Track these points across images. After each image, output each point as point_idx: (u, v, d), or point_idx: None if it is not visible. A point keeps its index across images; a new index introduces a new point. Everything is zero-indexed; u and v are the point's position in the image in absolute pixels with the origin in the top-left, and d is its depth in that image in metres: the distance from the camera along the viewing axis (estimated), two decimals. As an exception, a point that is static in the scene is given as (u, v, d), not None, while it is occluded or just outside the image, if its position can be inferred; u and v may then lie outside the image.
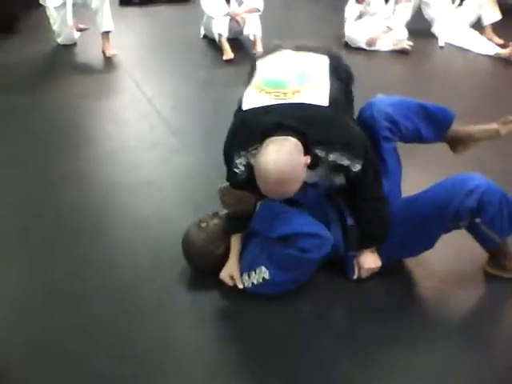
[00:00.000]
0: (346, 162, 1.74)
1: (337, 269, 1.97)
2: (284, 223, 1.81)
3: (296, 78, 1.83)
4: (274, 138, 1.66)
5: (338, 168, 1.79)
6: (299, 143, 1.67)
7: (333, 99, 1.76)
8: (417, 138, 2.04)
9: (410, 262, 2.06)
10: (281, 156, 1.62)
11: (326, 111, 1.74)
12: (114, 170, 2.84)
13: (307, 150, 1.69)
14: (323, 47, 1.99)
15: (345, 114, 1.82)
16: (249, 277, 1.87)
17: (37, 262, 2.15)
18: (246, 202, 1.91)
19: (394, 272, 2.01)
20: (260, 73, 1.91)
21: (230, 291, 1.91)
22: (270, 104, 1.76)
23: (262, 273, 1.83)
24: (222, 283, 1.93)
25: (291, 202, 1.92)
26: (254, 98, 1.81)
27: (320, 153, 1.72)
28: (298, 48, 1.96)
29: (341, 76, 1.90)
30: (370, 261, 1.95)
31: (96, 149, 3.07)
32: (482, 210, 1.76)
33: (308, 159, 1.68)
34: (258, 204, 1.91)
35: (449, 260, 2.11)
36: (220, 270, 1.95)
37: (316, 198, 1.99)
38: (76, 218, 2.42)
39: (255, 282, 1.86)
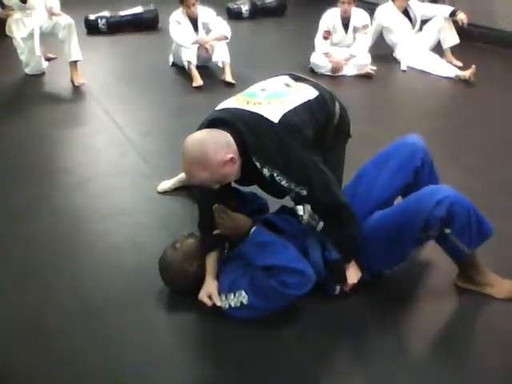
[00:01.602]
0: (284, 182, 1.78)
1: (316, 287, 1.94)
2: (273, 254, 1.83)
3: (267, 94, 1.92)
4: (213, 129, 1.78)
5: (284, 189, 1.82)
6: (232, 142, 1.75)
7: (287, 121, 1.80)
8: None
9: (386, 279, 2.10)
10: (201, 138, 1.74)
11: (272, 126, 1.78)
12: (85, 198, 2.82)
13: (243, 156, 1.77)
14: (322, 86, 2.06)
15: (295, 140, 1.79)
16: (226, 298, 1.87)
17: (8, 291, 2.11)
18: (241, 227, 1.93)
19: (370, 288, 2.04)
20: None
21: (208, 313, 1.91)
22: (231, 106, 1.88)
23: (242, 297, 1.84)
24: (199, 305, 1.92)
25: (274, 227, 1.98)
26: (226, 102, 1.95)
27: (256, 162, 1.78)
28: (298, 78, 2.07)
29: (315, 115, 1.93)
30: (351, 274, 1.97)
31: (66, 177, 3.04)
32: (451, 220, 1.81)
33: (233, 159, 1.74)
34: (252, 230, 1.92)
35: (422, 276, 2.17)
36: (196, 289, 1.95)
37: (298, 227, 2.01)
38: (47, 246, 2.39)
39: (232, 305, 1.86)
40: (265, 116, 1.79)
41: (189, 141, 1.76)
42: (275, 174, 1.77)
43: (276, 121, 1.78)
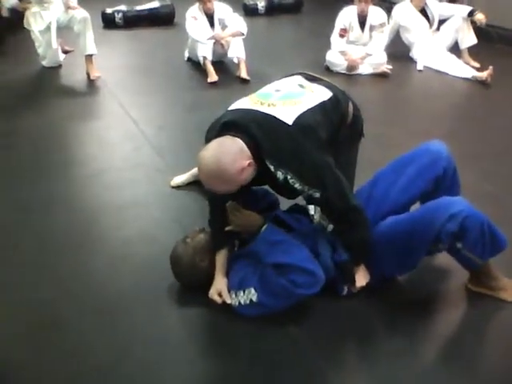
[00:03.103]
0: (297, 185, 1.78)
1: (325, 286, 1.94)
2: (284, 252, 1.84)
3: (281, 94, 1.90)
4: (224, 136, 1.77)
5: (297, 191, 1.81)
6: (245, 148, 1.74)
7: (301, 123, 1.79)
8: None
9: (397, 280, 2.10)
10: (216, 153, 1.72)
11: (286, 128, 1.77)
12: (98, 191, 2.85)
13: (257, 159, 1.76)
14: (335, 86, 2.05)
15: (310, 142, 1.79)
16: (236, 295, 1.88)
17: (22, 284, 2.13)
18: (253, 225, 1.95)
19: (380, 290, 2.03)
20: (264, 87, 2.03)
21: (218, 310, 1.92)
22: (245, 107, 1.87)
23: (251, 294, 1.84)
24: (209, 301, 1.93)
25: (285, 225, 1.98)
26: (239, 102, 1.94)
27: (270, 165, 1.77)
28: (311, 78, 2.05)
29: (329, 116, 1.92)
30: (360, 277, 1.97)
31: (81, 170, 3.07)
32: (463, 235, 1.78)
33: (250, 164, 1.73)
34: (263, 227, 1.93)
35: (433, 278, 2.16)
36: (207, 285, 1.96)
37: (309, 226, 2.01)
38: (60, 238, 2.42)
39: (242, 302, 1.87)
40: (279, 118, 1.79)
41: (203, 157, 1.73)
42: (289, 177, 1.77)
43: (290, 123, 1.78)
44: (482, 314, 1.98)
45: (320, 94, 1.95)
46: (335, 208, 1.85)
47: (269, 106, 1.84)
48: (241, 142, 1.75)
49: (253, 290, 1.84)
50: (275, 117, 1.79)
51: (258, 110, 1.83)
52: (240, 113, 1.86)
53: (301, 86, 1.99)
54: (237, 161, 1.72)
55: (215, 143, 1.76)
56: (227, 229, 1.99)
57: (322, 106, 1.90)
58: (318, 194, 1.80)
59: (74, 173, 3.05)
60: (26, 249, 2.35)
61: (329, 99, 1.95)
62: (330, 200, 1.82)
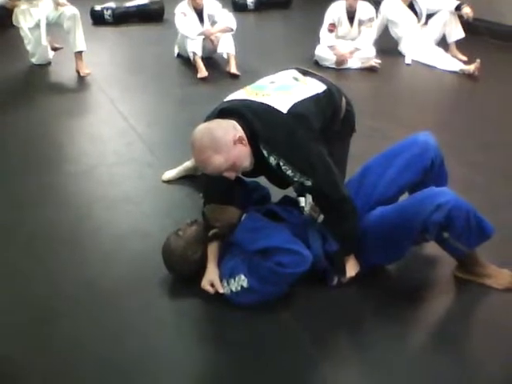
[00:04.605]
0: (289, 172, 1.81)
1: (316, 276, 2.00)
2: (265, 237, 1.87)
3: (276, 86, 1.96)
4: None
5: (289, 178, 1.85)
6: (238, 126, 1.79)
7: (295, 112, 1.83)
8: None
9: (386, 269, 2.14)
10: (208, 126, 1.79)
11: (281, 116, 1.82)
12: (90, 187, 2.86)
13: (252, 145, 1.81)
14: (329, 81, 2.09)
15: (303, 130, 1.83)
16: (228, 283, 1.91)
17: (14, 277, 2.15)
18: (231, 216, 1.99)
19: (370, 278, 2.06)
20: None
21: (211, 300, 1.95)
22: (240, 98, 1.92)
23: (241, 281, 1.87)
24: (202, 292, 1.96)
25: (275, 215, 2.01)
26: (235, 93, 1.99)
27: (264, 150, 1.80)
28: (305, 72, 2.10)
29: (323, 108, 1.96)
30: (350, 268, 2.01)
31: (72, 166, 3.08)
32: (449, 225, 1.82)
33: (241, 138, 1.77)
34: (243, 216, 1.97)
35: (421, 267, 2.20)
36: (199, 275, 1.99)
37: (300, 218, 2.04)
38: (53, 234, 2.43)
39: (233, 290, 1.90)
40: (274, 106, 1.83)
41: (196, 131, 1.80)
42: (281, 163, 1.80)
43: (285, 111, 1.82)
44: (470, 300, 2.03)
45: (314, 87, 1.99)
46: (326, 197, 1.89)
47: (263, 96, 1.89)
48: (234, 121, 1.80)
49: (243, 276, 1.87)
50: (270, 105, 1.83)
51: (253, 100, 1.88)
52: (236, 102, 1.92)
53: (295, 78, 2.03)
54: (228, 131, 1.77)
55: (207, 122, 1.84)
56: (211, 233, 2.02)
57: (315, 97, 1.94)
58: (309, 182, 1.83)
59: (65, 169, 3.06)
60: (18, 244, 2.36)
61: (323, 92, 1.99)
62: (321, 188, 1.86)
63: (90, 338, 1.84)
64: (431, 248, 2.09)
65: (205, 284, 1.96)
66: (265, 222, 1.95)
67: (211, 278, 1.96)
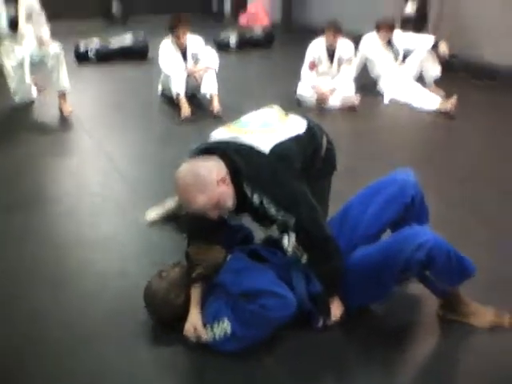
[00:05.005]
0: (272, 210, 1.82)
1: (300, 318, 1.96)
2: (250, 279, 1.86)
3: (259, 123, 1.99)
4: None
5: (272, 217, 1.85)
6: (222, 164, 1.81)
7: (278, 152, 1.86)
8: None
9: (370, 310, 2.13)
10: (192, 165, 1.81)
11: (263, 155, 1.84)
12: (71, 226, 2.83)
13: (235, 184, 1.82)
14: (311, 119, 2.13)
15: (286, 169, 1.86)
16: (211, 328, 1.87)
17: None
18: (216, 256, 1.98)
19: (355, 319, 2.05)
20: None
21: (192, 345, 1.91)
22: (223, 136, 1.95)
23: (225, 325, 1.84)
24: (183, 336, 1.92)
25: (258, 256, 2.01)
26: (217, 131, 2.01)
27: (247, 188, 1.82)
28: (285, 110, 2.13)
29: (304, 147, 1.99)
30: (334, 309, 2.00)
31: (53, 206, 3.05)
32: (430, 264, 1.83)
33: (224, 179, 1.79)
34: (228, 256, 1.96)
35: (405, 306, 2.19)
36: (181, 320, 1.95)
37: (283, 258, 2.03)
38: (33, 274, 2.39)
39: (217, 336, 1.86)
40: (255, 146, 1.85)
41: (180, 169, 1.81)
42: (265, 201, 1.81)
43: (267, 151, 1.84)
44: (455, 340, 2.02)
45: (296, 125, 2.03)
46: (309, 235, 1.89)
47: (246, 133, 1.92)
48: (218, 159, 1.82)
49: (226, 320, 1.84)
50: (252, 146, 1.86)
51: (235, 138, 1.90)
52: (219, 140, 1.94)
53: (278, 116, 2.06)
54: (212, 170, 1.79)
55: (192, 159, 1.86)
56: (195, 274, 1.98)
57: (297, 137, 1.97)
58: (292, 220, 1.83)
59: (47, 208, 3.03)
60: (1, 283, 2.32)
61: (304, 131, 2.02)
62: (304, 226, 1.86)
63: (65, 378, 1.79)
64: (414, 287, 2.09)
65: (188, 329, 1.92)
66: (250, 263, 1.94)
67: (194, 323, 1.92)
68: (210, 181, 1.77)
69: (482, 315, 2.04)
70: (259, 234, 2.25)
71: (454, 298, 2.04)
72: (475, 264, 1.94)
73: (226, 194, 1.82)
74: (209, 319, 1.90)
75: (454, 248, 1.89)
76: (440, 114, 4.78)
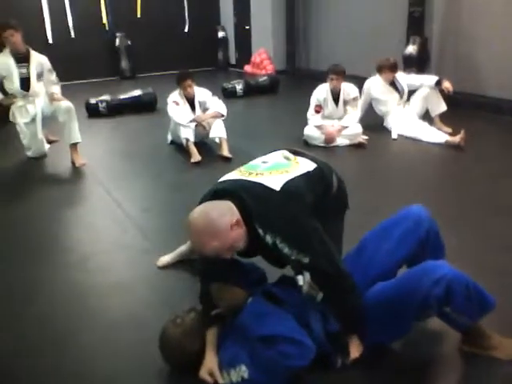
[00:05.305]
0: (286, 250, 1.80)
1: (319, 358, 1.89)
2: (270, 324, 1.83)
3: (269, 165, 2.00)
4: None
5: (286, 257, 1.83)
6: (234, 208, 1.80)
7: (288, 189, 1.86)
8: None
9: (390, 348, 2.07)
10: (204, 210, 1.79)
11: (274, 194, 1.84)
12: (85, 276, 2.82)
13: (247, 224, 1.81)
14: (319, 159, 2.14)
15: (297, 207, 1.86)
16: (228, 374, 1.83)
17: (6, 373, 2.06)
18: (236, 297, 1.96)
19: (374, 358, 1.99)
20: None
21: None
22: (234, 178, 1.96)
23: (242, 371, 1.80)
24: (200, 381, 1.87)
25: (274, 296, 1.97)
26: (228, 174, 2.03)
27: (259, 229, 1.81)
28: (296, 152, 2.15)
29: (314, 185, 2.00)
30: (353, 349, 1.94)
31: (67, 256, 3.06)
32: (450, 299, 1.79)
33: (238, 221, 1.78)
34: (249, 299, 1.94)
35: (426, 342, 2.13)
36: (197, 366, 1.91)
37: (299, 298, 1.99)
38: (47, 325, 2.37)
39: (234, 381, 1.81)
40: (267, 185, 1.86)
41: (193, 215, 1.81)
42: (278, 241, 1.80)
43: (278, 189, 1.85)
44: (479, 375, 1.95)
45: (305, 166, 2.04)
46: (324, 274, 1.86)
47: (256, 175, 1.93)
48: (230, 202, 1.82)
49: (243, 367, 1.80)
50: (263, 184, 1.87)
51: (246, 179, 1.91)
52: (229, 182, 1.95)
53: (286, 158, 2.08)
54: (225, 215, 1.78)
55: (205, 203, 1.86)
56: (214, 312, 1.97)
57: (307, 175, 1.98)
58: (306, 259, 1.81)
59: (60, 259, 3.03)
60: (11, 337, 2.29)
61: (313, 170, 2.03)
62: (318, 265, 1.83)
63: None
64: (434, 322, 2.04)
65: (203, 373, 1.88)
66: (271, 308, 1.90)
67: (210, 367, 1.88)
68: (223, 226, 1.77)
69: (505, 347, 1.98)
70: (273, 272, 2.22)
71: (475, 332, 1.98)
72: (496, 296, 1.90)
73: (240, 236, 1.83)
74: (225, 364, 1.86)
75: (473, 280, 1.85)
76: (449, 147, 4.79)
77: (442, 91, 5.28)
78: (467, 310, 1.85)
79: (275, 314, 1.87)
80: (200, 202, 1.95)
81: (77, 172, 4.64)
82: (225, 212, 1.79)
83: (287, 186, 1.87)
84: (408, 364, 2.02)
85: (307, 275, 1.95)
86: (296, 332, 1.80)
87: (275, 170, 1.96)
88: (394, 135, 5.25)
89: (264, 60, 10.08)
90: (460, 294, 1.79)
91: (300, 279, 2.02)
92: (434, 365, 2.03)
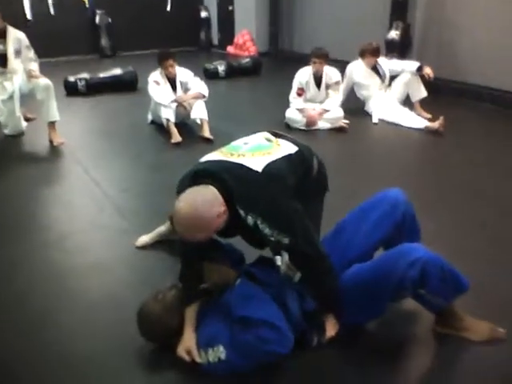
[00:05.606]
0: (267, 230, 1.81)
1: (295, 337, 1.91)
2: (254, 307, 1.84)
3: (250, 146, 1.99)
4: (197, 185, 1.82)
5: (266, 237, 1.84)
6: (218, 194, 1.79)
7: (270, 171, 1.86)
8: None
9: (365, 327, 2.11)
10: (193, 203, 1.76)
11: (256, 175, 1.84)
12: (63, 255, 2.80)
13: (228, 205, 1.80)
14: (300, 142, 2.13)
15: (279, 188, 1.86)
16: (205, 353, 1.85)
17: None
18: (227, 277, 2.00)
19: (350, 337, 2.03)
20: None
21: (187, 371, 1.88)
22: (215, 159, 1.94)
23: (219, 352, 1.82)
24: (178, 362, 1.89)
25: (253, 278, 1.99)
26: (209, 155, 2.01)
27: (241, 210, 1.81)
28: (277, 134, 2.15)
29: (295, 168, 2.00)
30: (329, 327, 1.98)
31: (45, 235, 3.03)
32: (424, 281, 1.82)
33: (224, 211, 1.78)
34: (237, 281, 1.96)
35: (400, 323, 2.18)
36: (175, 343, 1.92)
37: (277, 278, 2.01)
38: (25, 305, 2.35)
39: (210, 360, 1.84)
40: (248, 166, 1.86)
41: (180, 209, 1.75)
42: (259, 222, 1.80)
43: (259, 170, 1.85)
44: (451, 355, 2.00)
45: (286, 148, 2.04)
46: (303, 254, 1.88)
47: (238, 156, 1.92)
48: (214, 189, 1.80)
49: (221, 348, 1.82)
50: (245, 165, 1.86)
51: (227, 160, 1.90)
52: (211, 163, 1.94)
53: (268, 140, 2.08)
54: (213, 208, 1.76)
55: (190, 193, 1.80)
56: (203, 286, 2.00)
57: (288, 158, 1.98)
58: (286, 240, 1.82)
59: (37, 238, 3.00)
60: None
61: (295, 153, 2.03)
62: (298, 246, 1.85)
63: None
64: (409, 303, 2.08)
65: (181, 351, 1.90)
66: (257, 291, 1.92)
67: (188, 345, 1.89)
68: (211, 219, 1.77)
69: (478, 329, 2.03)
70: (249, 254, 2.24)
71: (448, 313, 2.03)
72: (470, 279, 1.94)
73: (223, 221, 1.82)
74: (203, 343, 1.87)
75: (448, 263, 1.89)
76: (428, 132, 4.84)
77: (422, 77, 5.31)
78: (441, 292, 1.89)
79: (260, 298, 1.88)
80: (180, 183, 1.94)
81: (55, 151, 4.57)
82: (212, 203, 1.77)
83: (269, 167, 1.87)
84: (382, 343, 2.06)
85: (285, 256, 1.97)
86: (277, 319, 1.82)
87: (257, 151, 1.96)
88: (375, 120, 5.28)
89: (247, 41, 9.98)
90: (435, 276, 1.82)
91: (278, 260, 2.04)
92: (408, 344, 2.08)
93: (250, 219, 1.80)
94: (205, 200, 1.77)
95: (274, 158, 1.93)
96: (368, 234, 2.08)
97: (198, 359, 1.86)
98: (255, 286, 1.94)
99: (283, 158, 1.97)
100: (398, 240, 2.03)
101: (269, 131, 2.18)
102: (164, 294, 2.00)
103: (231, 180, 1.82)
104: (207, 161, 1.97)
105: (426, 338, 2.07)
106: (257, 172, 1.84)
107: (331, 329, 1.98)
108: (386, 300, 1.94)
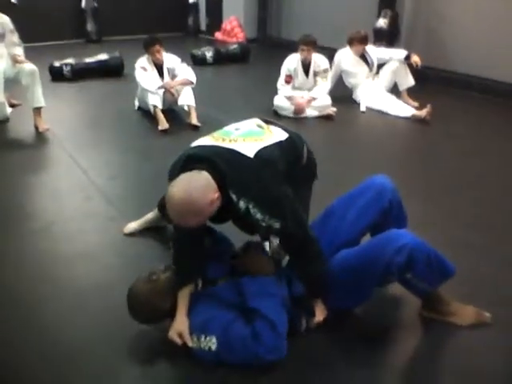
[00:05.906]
0: (258, 215, 1.81)
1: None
2: (270, 306, 1.85)
3: (241, 132, 1.98)
4: (190, 171, 1.80)
5: (257, 222, 1.84)
6: (211, 180, 1.78)
7: (262, 156, 1.86)
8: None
9: (352, 312, 2.13)
10: (186, 189, 1.74)
11: (248, 160, 1.84)
12: (49, 243, 2.78)
13: (220, 190, 1.79)
14: (291, 130, 2.13)
15: (270, 174, 1.87)
16: (198, 339, 1.85)
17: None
18: (268, 269, 2.02)
19: (337, 322, 2.06)
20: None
21: (178, 356, 1.89)
22: (207, 144, 1.93)
23: (211, 343, 1.82)
24: (166, 349, 1.89)
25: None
26: (201, 139, 1.99)
27: (233, 195, 1.81)
28: (268, 121, 2.14)
29: (286, 154, 2.00)
30: (318, 312, 2.01)
31: (31, 223, 3.00)
32: (411, 266, 1.85)
33: (218, 196, 1.77)
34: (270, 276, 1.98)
35: (387, 308, 2.21)
36: (164, 319, 1.94)
37: None
38: (12, 294, 2.33)
39: (202, 347, 1.84)
40: (240, 151, 1.85)
41: (174, 195, 1.73)
42: (250, 207, 1.80)
43: (251, 155, 1.85)
44: (437, 339, 2.03)
45: (277, 135, 2.04)
46: (294, 239, 1.89)
47: (230, 141, 1.91)
48: (207, 174, 1.79)
49: (214, 339, 1.82)
50: (237, 150, 1.86)
51: (219, 145, 1.90)
52: (203, 147, 1.93)
53: (259, 126, 2.07)
54: (207, 194, 1.75)
55: (183, 179, 1.78)
56: (173, 266, 1.99)
57: (279, 144, 1.99)
58: (277, 225, 1.83)
59: (24, 226, 2.97)
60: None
61: (285, 140, 2.03)
62: (289, 230, 1.86)
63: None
64: (396, 288, 2.10)
65: (173, 335, 1.90)
66: (278, 291, 1.93)
67: (180, 329, 1.89)
68: (205, 205, 1.75)
69: (463, 314, 2.07)
70: (237, 242, 2.24)
71: (434, 298, 2.06)
72: (455, 264, 1.97)
73: (216, 207, 1.81)
74: (196, 329, 1.87)
75: (434, 249, 1.91)
76: (415, 120, 4.86)
77: (410, 65, 5.32)
78: (428, 277, 1.92)
79: (278, 302, 1.88)
80: (172, 168, 1.93)
81: (40, 137, 4.51)
82: (206, 189, 1.76)
83: (261, 153, 1.87)
84: (369, 328, 2.09)
85: (274, 241, 1.99)
86: (281, 325, 1.83)
87: (249, 137, 1.95)
88: (363, 108, 5.30)
89: (235, 28, 9.90)
90: (421, 262, 1.85)
91: (267, 245, 2.06)
92: (394, 329, 2.12)
93: (241, 204, 1.80)
94: (199, 186, 1.75)
95: (265, 144, 1.93)
96: (355, 220, 2.10)
97: (189, 343, 1.86)
98: (278, 286, 1.95)
99: (274, 144, 1.97)
100: (385, 226, 2.05)
101: (260, 118, 2.17)
102: (158, 276, 1.98)
103: (223, 165, 1.81)
104: (199, 146, 1.96)
105: (413, 322, 2.11)
106: (249, 157, 1.84)
107: (320, 314, 2.00)
108: (372, 285, 1.96)
